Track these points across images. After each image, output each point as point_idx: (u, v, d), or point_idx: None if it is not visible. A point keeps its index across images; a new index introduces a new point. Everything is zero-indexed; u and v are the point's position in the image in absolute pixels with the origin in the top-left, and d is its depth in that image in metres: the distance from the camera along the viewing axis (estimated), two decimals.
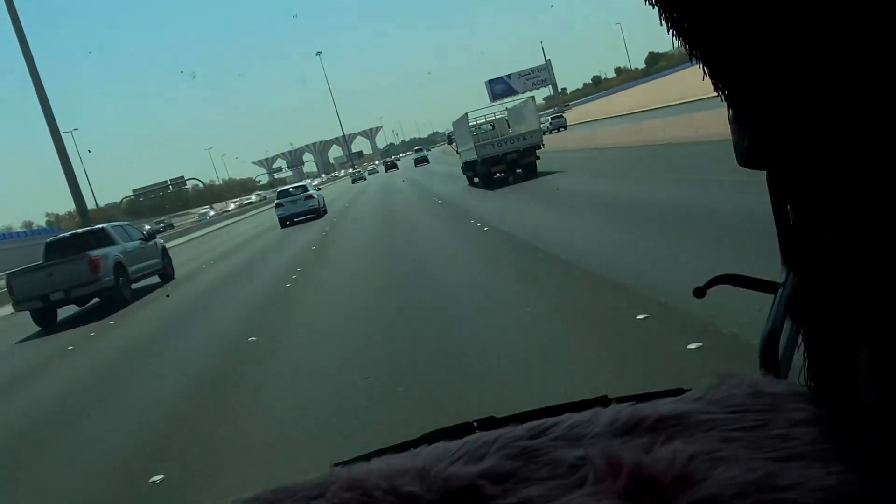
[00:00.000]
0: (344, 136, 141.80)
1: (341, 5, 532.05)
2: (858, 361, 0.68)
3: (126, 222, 20.63)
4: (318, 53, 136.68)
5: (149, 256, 17.89)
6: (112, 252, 15.87)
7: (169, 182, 79.33)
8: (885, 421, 0.69)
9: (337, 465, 0.80)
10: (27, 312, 15.55)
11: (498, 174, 23.24)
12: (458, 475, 0.70)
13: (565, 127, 61.73)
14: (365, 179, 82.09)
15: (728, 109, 0.63)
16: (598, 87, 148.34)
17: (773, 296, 1.08)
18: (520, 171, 23.03)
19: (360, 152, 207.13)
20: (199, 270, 19.85)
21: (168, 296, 15.01)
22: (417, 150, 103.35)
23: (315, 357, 7.06)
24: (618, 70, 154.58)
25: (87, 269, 14.95)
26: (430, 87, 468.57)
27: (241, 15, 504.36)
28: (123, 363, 9.30)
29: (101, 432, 6.28)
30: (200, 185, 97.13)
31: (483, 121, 25.63)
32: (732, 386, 0.78)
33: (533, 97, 26.76)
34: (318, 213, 30.66)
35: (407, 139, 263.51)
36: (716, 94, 0.62)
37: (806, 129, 0.59)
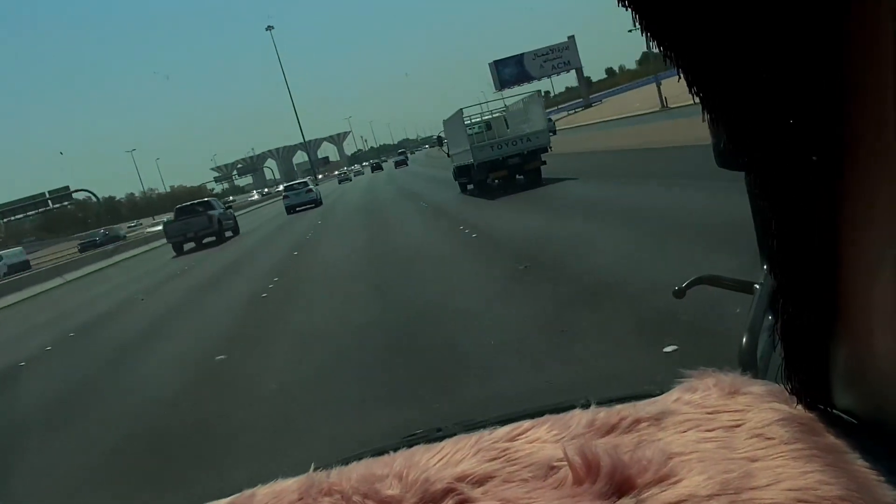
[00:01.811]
0: (304, 140, 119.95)
1: (308, 8, 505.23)
2: (834, 361, 0.69)
3: (214, 198, 36.75)
4: (269, 28, 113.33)
5: (229, 218, 31.89)
6: (216, 213, 29.72)
7: (48, 195, 55.67)
8: (858, 421, 0.70)
9: (316, 468, 0.79)
10: (170, 245, 29.97)
11: (496, 181, 20.03)
12: (438, 478, 0.70)
13: (554, 132, 49.76)
14: (350, 180, 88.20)
15: (704, 113, 0.63)
16: (588, 89, 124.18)
17: (751, 296, 1.08)
18: (521, 177, 19.90)
19: (327, 158, 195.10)
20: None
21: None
22: (400, 153, 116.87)
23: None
24: (609, 71, 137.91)
25: (207, 221, 28.73)
26: (404, 90, 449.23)
27: (204, 20, 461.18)
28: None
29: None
30: (93, 198, 73.13)
31: (479, 119, 21.70)
32: (709, 385, 0.78)
33: (539, 91, 22.98)
34: (317, 202, 40.21)
35: (377, 145, 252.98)
36: (692, 97, 0.63)
37: (780, 132, 0.59)
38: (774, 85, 0.57)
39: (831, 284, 0.65)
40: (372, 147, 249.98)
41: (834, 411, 0.72)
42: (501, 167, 19.63)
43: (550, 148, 20.06)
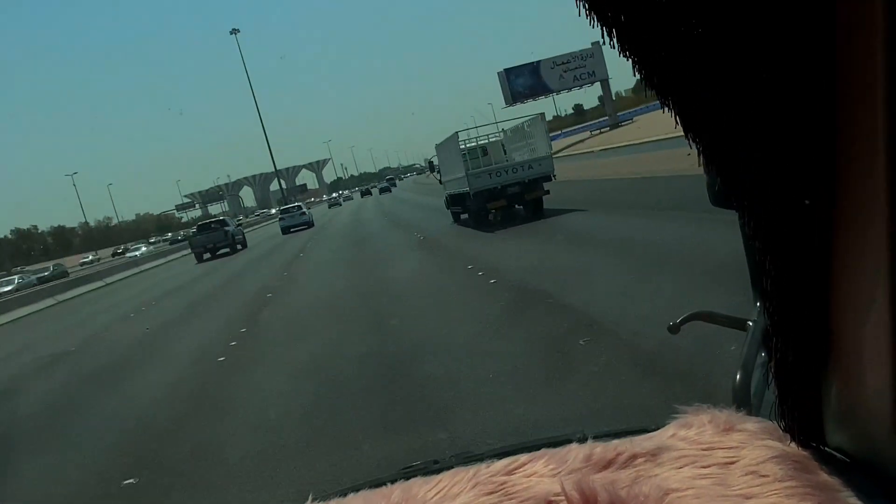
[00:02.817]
0: (276, 167, 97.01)
1: (289, 28, 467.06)
2: (826, 399, 0.70)
3: (226, 217, 51.06)
4: (234, 31, 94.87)
5: (240, 233, 38.87)
6: (230, 228, 36.59)
7: None
8: (851, 459, 0.71)
9: (315, 500, 0.79)
10: (192, 254, 36.79)
11: (493, 211, 18.42)
12: None
13: None
14: (340, 205, 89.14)
15: (699, 156, 0.65)
16: (581, 116, 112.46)
17: (745, 333, 1.09)
18: (520, 207, 18.37)
19: (304, 185, 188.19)
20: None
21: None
22: (389, 180, 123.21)
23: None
24: (601, 99, 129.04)
25: (223, 235, 35.58)
26: (388, 114, 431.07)
27: (175, 38, 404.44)
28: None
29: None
30: None
31: (475, 144, 19.99)
32: (704, 422, 0.79)
33: (542, 114, 20.06)
34: (309, 224, 44.54)
35: (357, 173, 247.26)
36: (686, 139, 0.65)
37: (772, 176, 0.61)
38: (765, 132, 0.59)
39: (823, 323, 0.66)
40: (353, 175, 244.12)
41: (827, 449, 0.73)
42: (500, 196, 18.01)
43: (554, 176, 18.22)
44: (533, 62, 69.26)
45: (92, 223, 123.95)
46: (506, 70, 69.06)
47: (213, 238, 35.72)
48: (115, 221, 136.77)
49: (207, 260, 34.18)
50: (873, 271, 0.59)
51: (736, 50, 0.57)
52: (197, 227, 39.33)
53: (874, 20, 0.52)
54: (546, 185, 18.00)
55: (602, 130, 69.49)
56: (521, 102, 67.11)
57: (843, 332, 0.65)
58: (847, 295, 0.63)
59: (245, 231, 55.69)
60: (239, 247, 36.96)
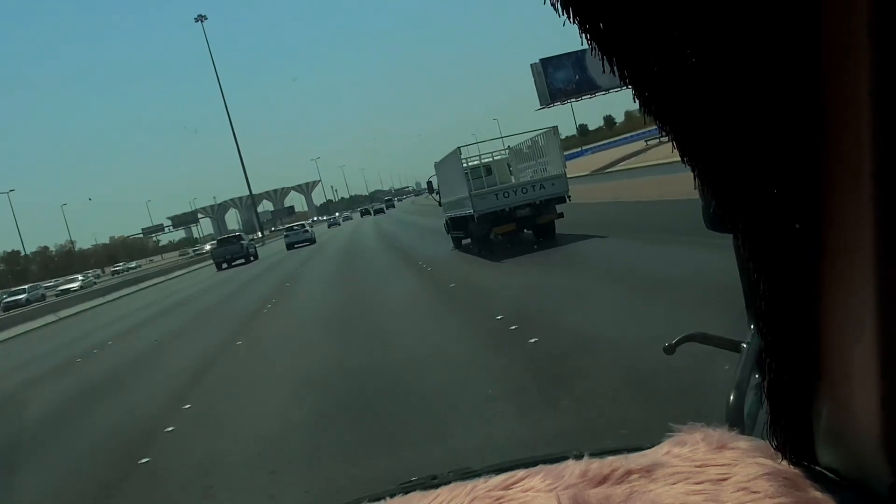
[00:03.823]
0: (251, 192, 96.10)
1: (277, 47, 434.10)
2: (817, 419, 0.71)
3: (242, 232, 54.15)
4: (200, 19, 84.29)
5: (253, 245, 46.16)
6: (245, 241, 43.65)
7: None
8: (840, 478, 0.72)
9: None
10: (213, 264, 43.64)
11: (499, 236, 16.26)
12: None
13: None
14: (339, 225, 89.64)
15: (695, 180, 0.67)
16: (585, 138, 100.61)
17: (738, 354, 1.10)
18: (528, 231, 16.28)
19: (292, 208, 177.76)
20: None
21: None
22: (387, 201, 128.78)
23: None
24: (608, 119, 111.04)
25: (240, 247, 42.25)
26: (377, 141, 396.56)
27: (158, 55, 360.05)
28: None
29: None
30: None
31: (477, 162, 17.59)
32: (698, 440, 0.81)
33: (555, 128, 17.38)
34: (312, 241, 47.99)
35: (348, 195, 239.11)
36: (684, 164, 0.67)
37: (765, 201, 0.63)
38: (757, 159, 0.61)
39: (814, 345, 0.68)
40: (343, 197, 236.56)
41: (817, 468, 0.74)
42: (508, 220, 15.78)
43: (569, 197, 15.89)
44: (577, 52, 53.47)
45: (53, 248, 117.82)
46: (542, 61, 55.60)
47: (231, 250, 42.20)
48: (77, 246, 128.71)
49: (224, 270, 39.13)
50: (862, 295, 0.60)
51: (728, 80, 0.59)
52: (217, 241, 48.12)
53: (860, 63, 0.54)
54: (559, 208, 15.83)
55: (661, 139, 55.19)
56: (561, 103, 55.85)
57: (834, 353, 0.67)
58: (837, 318, 0.65)
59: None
60: (252, 258, 42.65)
